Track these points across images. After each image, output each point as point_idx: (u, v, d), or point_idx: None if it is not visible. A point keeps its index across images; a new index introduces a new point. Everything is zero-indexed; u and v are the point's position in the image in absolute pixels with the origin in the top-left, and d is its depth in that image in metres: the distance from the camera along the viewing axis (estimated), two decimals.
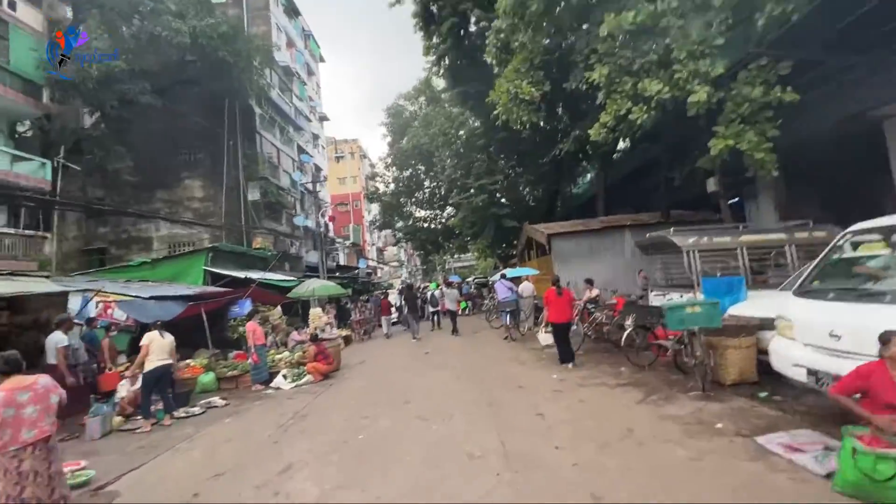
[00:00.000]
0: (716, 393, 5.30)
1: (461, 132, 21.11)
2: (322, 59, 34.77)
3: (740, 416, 4.52)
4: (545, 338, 8.38)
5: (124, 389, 6.90)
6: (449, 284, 14.95)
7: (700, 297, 7.25)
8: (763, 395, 5.14)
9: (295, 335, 12.06)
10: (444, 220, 30.28)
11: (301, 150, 27.00)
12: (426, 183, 30.54)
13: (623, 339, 6.89)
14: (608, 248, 14.17)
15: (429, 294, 15.63)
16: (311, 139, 30.55)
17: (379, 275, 50.36)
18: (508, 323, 11.16)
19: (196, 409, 7.23)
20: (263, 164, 21.22)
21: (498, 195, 19.78)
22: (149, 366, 6.39)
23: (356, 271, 33.53)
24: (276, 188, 21.04)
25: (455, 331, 13.29)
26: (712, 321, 5.23)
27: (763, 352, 5.60)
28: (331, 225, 32.64)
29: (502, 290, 11.40)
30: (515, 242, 21.57)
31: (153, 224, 20.38)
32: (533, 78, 11.43)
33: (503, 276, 12.06)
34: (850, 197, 10.86)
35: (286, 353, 9.85)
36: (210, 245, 15.67)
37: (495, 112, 12.23)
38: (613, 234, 14.29)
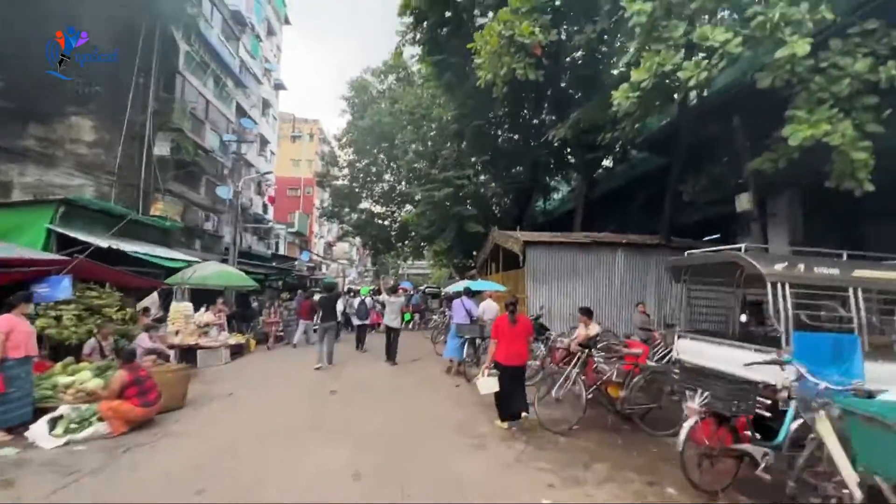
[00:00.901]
0: None
1: (432, 116, 17.59)
2: (287, 21, 30.41)
3: None
4: (487, 383, 5.00)
5: None
6: (394, 291, 11.16)
7: (788, 357, 4.08)
8: None
9: (145, 340, 7.93)
10: (399, 218, 26.67)
11: (242, 113, 22.53)
12: (386, 176, 26.84)
13: (682, 436, 3.51)
14: (594, 271, 11.07)
15: (356, 302, 11.57)
16: (259, 104, 26.05)
17: (325, 271, 45.63)
18: (465, 357, 7.62)
19: None
20: (183, 113, 16.72)
21: (462, 194, 16.39)
22: None
23: (294, 263, 29.05)
24: (193, 145, 16.55)
25: (391, 356, 9.51)
26: None
27: None
28: (270, 206, 28.05)
29: (459, 312, 7.83)
30: (475, 254, 18.28)
31: (17, 165, 15.37)
32: (537, 21, 8.17)
33: (467, 291, 8.50)
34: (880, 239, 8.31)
35: (86, 374, 5.74)
36: (63, 197, 11.14)
37: (476, 63, 8.81)
38: (602, 252, 11.21)
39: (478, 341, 7.81)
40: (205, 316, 9.99)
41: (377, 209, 27.36)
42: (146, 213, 15.45)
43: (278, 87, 29.53)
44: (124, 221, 10.74)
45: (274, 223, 29.86)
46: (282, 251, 33.79)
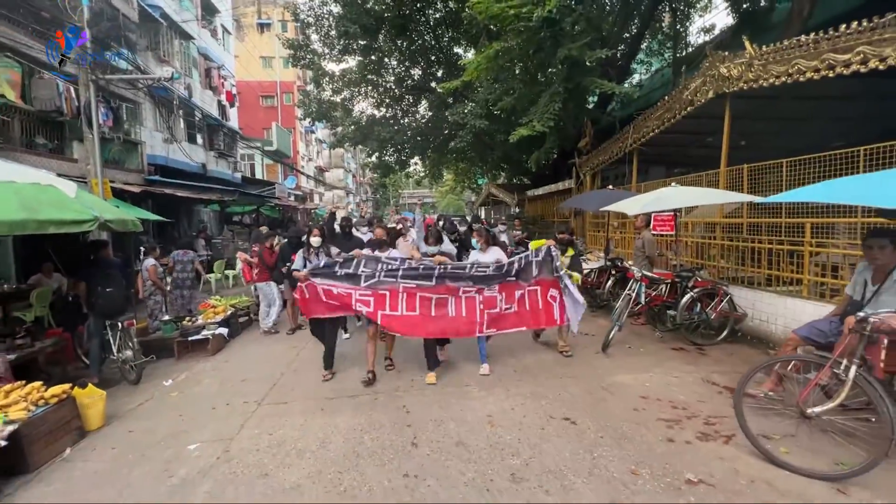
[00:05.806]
0: None
1: None
2: None
3: None
4: None
5: None
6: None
7: None
8: None
9: None
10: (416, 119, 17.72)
11: None
12: (391, 61, 17.25)
13: None
14: None
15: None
16: None
17: (318, 201, 36.93)
18: None
19: None
20: None
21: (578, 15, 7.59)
22: None
23: (272, 189, 20.41)
24: None
25: None
26: None
27: None
28: (228, 108, 18.76)
29: None
30: (584, 140, 10.00)
31: None
32: None
33: None
34: None
35: None
36: None
37: None
38: None
39: None
40: None
41: (381, 112, 18.13)
42: None
43: None
44: None
45: (240, 137, 20.69)
46: (259, 176, 24.98)
